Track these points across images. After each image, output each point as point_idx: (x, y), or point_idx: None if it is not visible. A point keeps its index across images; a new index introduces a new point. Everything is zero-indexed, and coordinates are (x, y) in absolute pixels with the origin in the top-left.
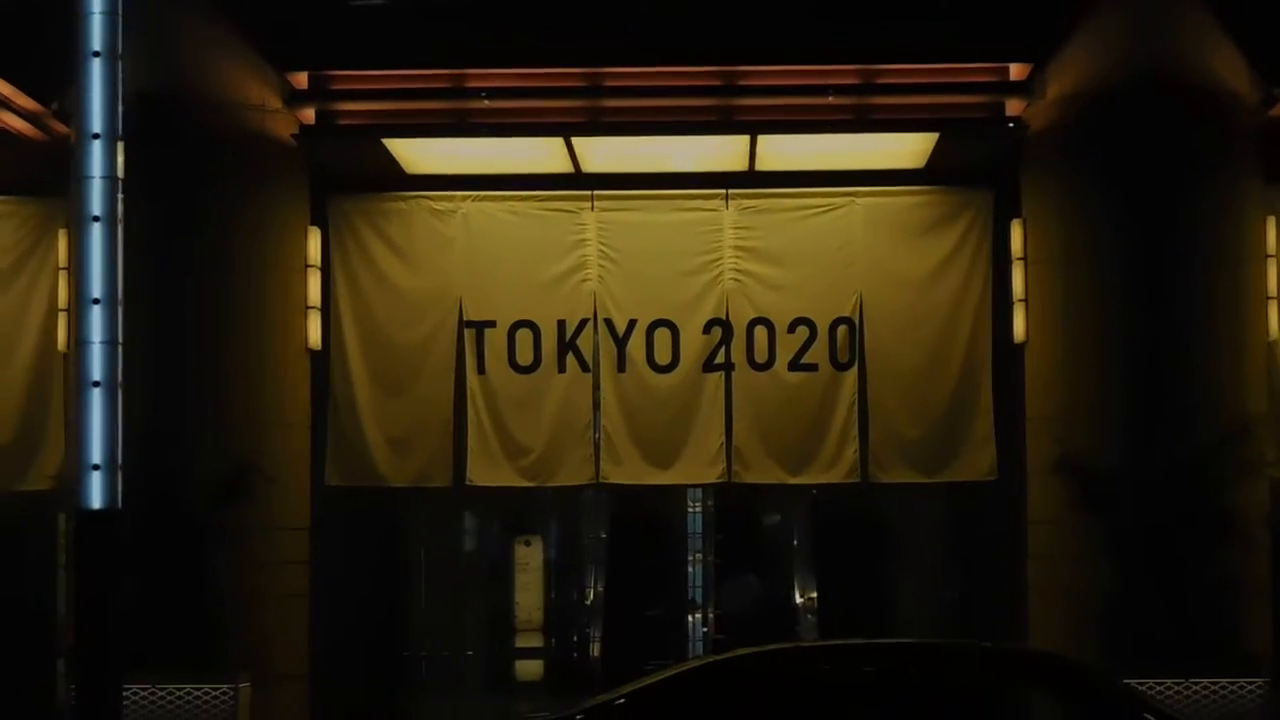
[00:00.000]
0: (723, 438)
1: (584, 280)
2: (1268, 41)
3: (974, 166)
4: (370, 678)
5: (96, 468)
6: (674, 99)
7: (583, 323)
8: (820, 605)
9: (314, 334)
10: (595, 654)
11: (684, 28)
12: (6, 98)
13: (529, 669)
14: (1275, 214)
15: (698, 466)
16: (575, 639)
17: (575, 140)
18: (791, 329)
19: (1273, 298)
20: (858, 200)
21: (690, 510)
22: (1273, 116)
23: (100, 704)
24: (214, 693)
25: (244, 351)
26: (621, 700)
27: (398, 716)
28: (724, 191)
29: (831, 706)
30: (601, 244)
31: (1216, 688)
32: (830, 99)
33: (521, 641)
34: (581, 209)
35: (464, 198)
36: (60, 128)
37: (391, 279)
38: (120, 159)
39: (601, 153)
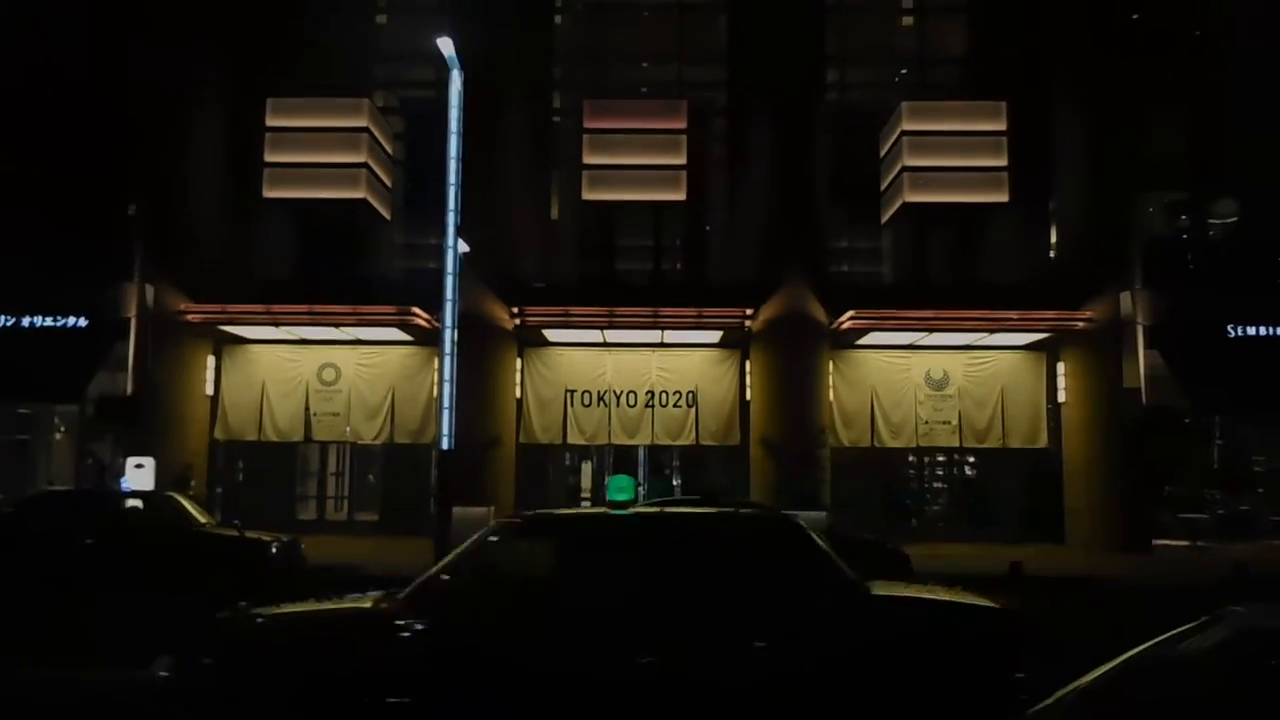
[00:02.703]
0: (651, 428)
1: (605, 375)
2: (831, 297)
3: (735, 343)
4: (536, 508)
5: (445, 435)
6: (635, 317)
7: (605, 391)
8: (683, 489)
9: (518, 394)
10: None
11: (637, 297)
12: (417, 313)
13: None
14: (832, 361)
15: (643, 437)
16: (601, 498)
17: (605, 331)
18: (674, 394)
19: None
20: (696, 352)
21: (641, 453)
22: (834, 329)
23: (444, 517)
24: (481, 510)
25: (496, 399)
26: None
27: None
28: (653, 349)
29: (671, 539)
30: (613, 365)
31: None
32: (688, 319)
33: (583, 496)
34: (605, 354)
35: (569, 349)
36: (436, 323)
37: (544, 376)
38: (455, 335)
39: (613, 335)
